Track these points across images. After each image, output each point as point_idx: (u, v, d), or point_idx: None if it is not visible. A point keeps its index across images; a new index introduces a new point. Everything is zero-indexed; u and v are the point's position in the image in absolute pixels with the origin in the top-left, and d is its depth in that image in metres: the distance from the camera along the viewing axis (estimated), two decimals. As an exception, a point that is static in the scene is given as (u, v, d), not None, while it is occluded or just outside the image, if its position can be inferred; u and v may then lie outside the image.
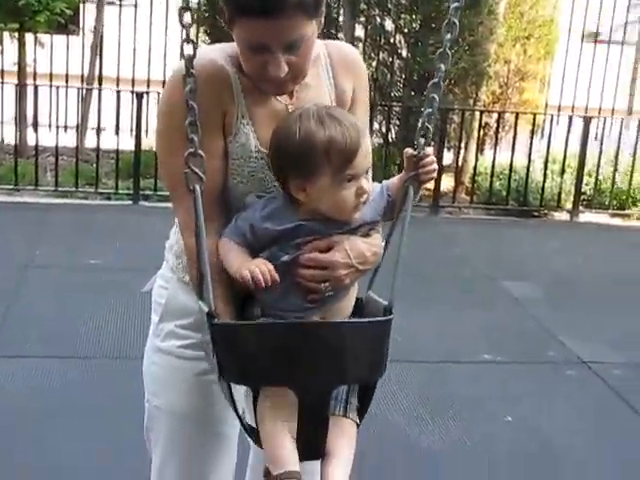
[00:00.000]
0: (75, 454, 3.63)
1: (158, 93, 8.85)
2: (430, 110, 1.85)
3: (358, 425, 1.84)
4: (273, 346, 1.70)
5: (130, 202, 8.20)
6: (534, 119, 9.34)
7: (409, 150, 1.88)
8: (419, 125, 1.86)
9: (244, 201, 1.88)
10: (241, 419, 1.89)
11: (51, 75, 9.24)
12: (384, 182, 1.94)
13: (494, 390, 4.61)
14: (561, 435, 4.15)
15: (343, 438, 1.82)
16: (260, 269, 1.75)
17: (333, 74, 1.98)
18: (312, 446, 1.78)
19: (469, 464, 3.82)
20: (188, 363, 2.00)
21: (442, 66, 1.84)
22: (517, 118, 9.23)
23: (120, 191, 8.32)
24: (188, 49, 1.71)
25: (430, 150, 1.88)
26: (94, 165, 8.45)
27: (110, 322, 5.14)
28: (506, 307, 6.00)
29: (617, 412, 4.45)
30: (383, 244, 1.93)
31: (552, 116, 9.76)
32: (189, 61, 1.72)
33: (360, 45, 8.84)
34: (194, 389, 2.01)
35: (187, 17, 1.73)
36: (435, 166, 1.89)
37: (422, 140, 1.84)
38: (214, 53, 1.89)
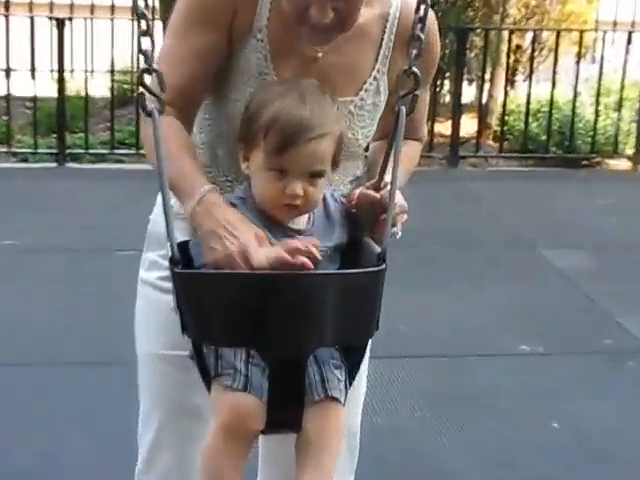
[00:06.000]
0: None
1: (85, 19, 8.86)
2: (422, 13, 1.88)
3: (343, 403, 1.90)
4: (239, 299, 1.78)
5: (54, 164, 8.22)
6: (581, 38, 9.39)
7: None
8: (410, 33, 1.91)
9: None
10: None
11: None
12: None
13: (532, 388, 4.65)
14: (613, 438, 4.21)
15: (329, 423, 1.89)
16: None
17: (394, 40, 2.10)
18: (284, 421, 1.87)
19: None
20: (164, 296, 2.14)
21: None
22: (558, 37, 9.27)
23: (40, 150, 8.35)
24: None
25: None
26: (5, 118, 8.46)
27: (33, 319, 5.11)
28: (547, 282, 6.12)
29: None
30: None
31: (604, 33, 9.78)
32: None
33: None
34: (166, 327, 2.14)
35: None
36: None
37: (414, 52, 1.89)
38: None
